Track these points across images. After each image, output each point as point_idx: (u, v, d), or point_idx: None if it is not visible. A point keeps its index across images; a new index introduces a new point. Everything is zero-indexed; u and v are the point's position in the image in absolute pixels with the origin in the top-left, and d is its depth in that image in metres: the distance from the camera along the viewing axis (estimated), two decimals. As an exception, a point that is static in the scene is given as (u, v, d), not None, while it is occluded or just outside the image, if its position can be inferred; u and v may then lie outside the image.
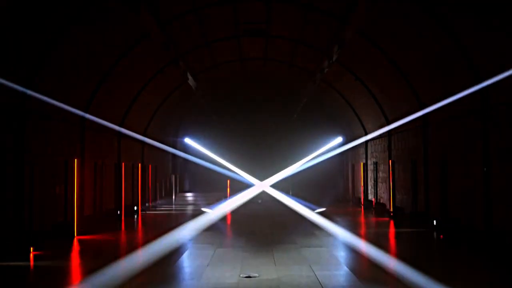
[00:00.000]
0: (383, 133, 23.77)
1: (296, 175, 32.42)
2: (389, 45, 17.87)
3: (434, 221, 16.55)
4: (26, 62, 13.32)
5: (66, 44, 14.41)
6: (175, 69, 21.03)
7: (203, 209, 24.51)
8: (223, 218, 21.48)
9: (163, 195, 32.04)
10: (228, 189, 31.24)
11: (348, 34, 16.42)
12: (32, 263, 11.90)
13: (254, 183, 31.41)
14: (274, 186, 30.64)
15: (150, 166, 28.12)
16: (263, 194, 30.70)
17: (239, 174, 32.20)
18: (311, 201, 27.20)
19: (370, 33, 17.81)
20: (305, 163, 32.13)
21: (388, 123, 22.93)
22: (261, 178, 32.06)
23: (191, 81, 23.54)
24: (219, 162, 32.87)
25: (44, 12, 12.57)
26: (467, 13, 12.70)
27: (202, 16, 18.77)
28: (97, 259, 12.29)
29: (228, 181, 31.64)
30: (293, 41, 22.32)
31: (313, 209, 23.58)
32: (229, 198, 29.30)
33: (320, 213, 22.28)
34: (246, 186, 31.43)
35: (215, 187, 33.51)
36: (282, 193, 28.76)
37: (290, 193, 31.89)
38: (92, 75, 17.39)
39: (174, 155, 34.57)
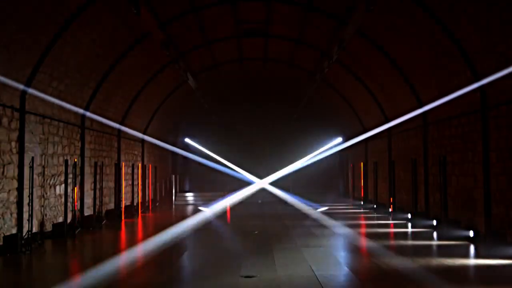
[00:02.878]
0: (383, 133, 23.78)
1: (296, 173, 32.32)
2: (389, 45, 17.88)
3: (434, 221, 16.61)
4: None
5: (65, 43, 14.41)
6: (175, 69, 21.03)
7: (200, 208, 24.41)
8: (218, 216, 21.63)
9: (163, 195, 32.03)
10: (228, 189, 31.25)
11: (348, 34, 16.42)
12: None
13: (254, 181, 31.20)
14: (273, 184, 30.45)
15: (150, 166, 28.13)
16: (263, 191, 30.77)
17: (239, 173, 32.07)
18: (312, 200, 27.20)
19: (370, 33, 17.82)
20: (305, 161, 32.03)
21: (388, 123, 22.94)
22: (261, 176, 32.04)
23: (191, 81, 23.54)
24: (219, 161, 32.77)
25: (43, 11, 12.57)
26: (467, 13, 12.71)
27: (202, 16, 18.79)
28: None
29: (228, 185, 31.83)
30: (293, 41, 22.33)
31: (315, 208, 23.52)
32: (227, 196, 29.32)
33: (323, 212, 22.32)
34: (246, 184, 31.32)
35: (215, 186, 33.44)
36: (282, 191, 28.70)
37: (290, 191, 31.75)
38: (91, 75, 17.38)
39: (174, 156, 34.54)
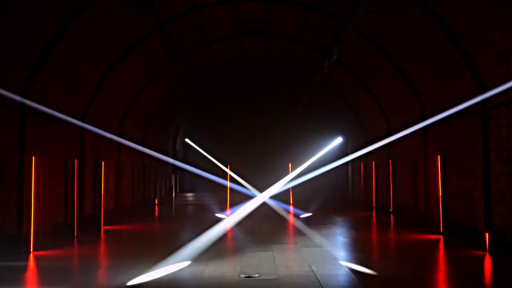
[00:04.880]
0: (383, 133, 23.76)
1: (298, 186, 29.42)
2: (389, 45, 17.88)
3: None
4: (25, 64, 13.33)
5: (65, 44, 14.42)
6: (175, 69, 21.04)
7: (217, 215, 22.56)
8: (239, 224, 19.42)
9: (163, 195, 31.98)
10: (228, 188, 29.98)
11: (348, 34, 16.43)
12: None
13: (255, 194, 28.20)
14: (274, 197, 27.46)
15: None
16: (264, 206, 26.30)
17: (238, 182, 29.56)
18: (311, 208, 25.60)
19: (371, 33, 17.83)
20: (307, 173, 29.21)
21: (388, 123, 22.96)
22: (262, 189, 29.55)
23: (191, 81, 23.55)
24: (218, 167, 31.37)
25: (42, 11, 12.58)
26: (467, 14, 12.71)
27: (202, 16, 18.79)
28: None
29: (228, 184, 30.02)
30: (293, 41, 22.33)
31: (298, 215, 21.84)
32: (236, 208, 25.32)
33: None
34: (247, 197, 28.31)
35: (216, 186, 33.21)
36: (282, 205, 25.64)
37: (291, 202, 29.78)
38: (91, 76, 17.39)
39: (174, 155, 34.50)
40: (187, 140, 34.72)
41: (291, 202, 29.01)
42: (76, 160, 16.72)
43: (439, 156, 16.94)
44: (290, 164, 31.36)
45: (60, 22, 13.49)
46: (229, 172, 30.41)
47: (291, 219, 20.35)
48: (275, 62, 26.55)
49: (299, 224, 18.93)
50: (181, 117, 33.73)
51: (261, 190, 29.13)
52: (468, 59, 13.87)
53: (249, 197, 27.60)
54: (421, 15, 14.29)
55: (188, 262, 11.46)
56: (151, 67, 21.47)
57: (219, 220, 20.20)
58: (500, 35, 12.00)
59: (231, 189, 29.05)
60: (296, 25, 20.15)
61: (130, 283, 9.53)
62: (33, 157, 13.91)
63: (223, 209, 24.58)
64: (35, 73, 13.75)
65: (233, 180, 30.25)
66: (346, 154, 32.63)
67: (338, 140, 33.14)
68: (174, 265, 11.15)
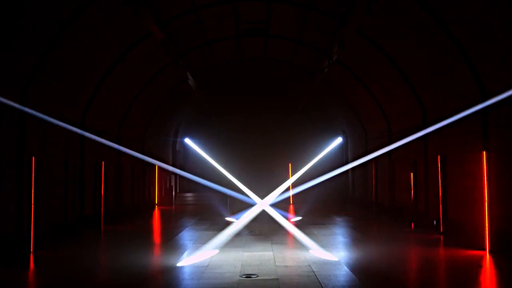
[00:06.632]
0: (383, 133, 23.76)
1: (299, 193, 28.23)
2: (389, 45, 17.87)
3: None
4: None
5: (64, 44, 14.42)
6: (175, 69, 21.03)
7: (227, 218, 22.19)
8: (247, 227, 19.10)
9: (163, 194, 31.95)
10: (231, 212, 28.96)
11: (348, 34, 16.42)
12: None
13: (256, 202, 26.68)
14: (274, 205, 25.80)
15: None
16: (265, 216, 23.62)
17: (238, 189, 28.28)
18: (311, 209, 25.19)
19: (370, 33, 17.81)
20: (308, 178, 27.97)
21: (388, 123, 22.94)
22: (261, 187, 28.80)
23: (191, 81, 23.52)
24: (218, 171, 30.78)
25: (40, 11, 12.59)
26: (465, 12, 12.72)
27: (202, 16, 18.80)
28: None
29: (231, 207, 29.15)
30: (293, 41, 22.33)
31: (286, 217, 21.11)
32: (239, 214, 23.46)
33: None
34: (248, 205, 26.38)
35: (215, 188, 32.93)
36: (282, 211, 23.88)
37: (291, 202, 29.25)
38: (90, 76, 17.38)
39: (174, 154, 34.47)
40: (187, 140, 34.65)
41: (291, 202, 29.10)
42: (76, 161, 16.69)
43: (439, 156, 16.97)
44: (290, 165, 31.20)
45: (60, 23, 13.49)
46: (229, 178, 29.85)
47: (290, 220, 20.42)
48: (275, 62, 26.53)
49: (298, 225, 18.94)
50: (181, 117, 33.70)
51: (261, 195, 27.71)
52: (468, 59, 13.86)
53: (249, 205, 26.11)
54: (421, 15, 14.27)
55: (217, 251, 13.31)
56: (151, 67, 21.46)
57: (230, 223, 20.20)
58: (501, 34, 12.00)
59: (231, 196, 28.37)
60: (296, 25, 20.14)
61: (179, 264, 11.55)
62: (33, 157, 13.90)
63: (228, 214, 24.28)
64: (34, 73, 13.74)
65: (233, 186, 29.48)
66: (347, 155, 32.67)
67: (338, 140, 33.09)
68: (208, 252, 13.07)
